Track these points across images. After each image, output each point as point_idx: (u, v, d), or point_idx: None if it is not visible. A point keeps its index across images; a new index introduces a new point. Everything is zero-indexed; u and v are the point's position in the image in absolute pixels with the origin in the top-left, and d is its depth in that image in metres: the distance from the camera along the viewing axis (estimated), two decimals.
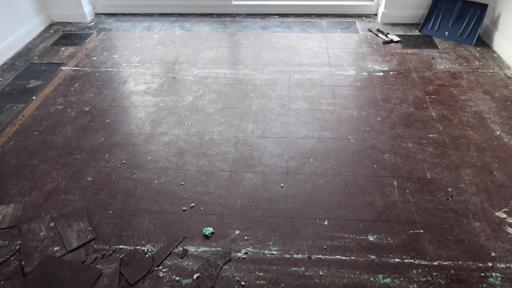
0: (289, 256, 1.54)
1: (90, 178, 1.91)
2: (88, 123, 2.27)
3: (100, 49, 3.03)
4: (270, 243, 1.59)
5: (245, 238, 1.61)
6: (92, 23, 3.44)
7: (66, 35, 3.24)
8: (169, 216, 1.71)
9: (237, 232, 1.64)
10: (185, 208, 1.75)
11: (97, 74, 2.71)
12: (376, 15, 3.42)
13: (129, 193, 1.83)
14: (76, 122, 2.28)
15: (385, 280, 1.44)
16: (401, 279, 1.45)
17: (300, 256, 1.54)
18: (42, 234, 1.64)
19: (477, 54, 2.81)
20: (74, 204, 1.77)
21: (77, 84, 2.62)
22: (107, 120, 2.29)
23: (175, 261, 1.53)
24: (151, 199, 1.80)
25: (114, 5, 3.56)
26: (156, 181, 1.89)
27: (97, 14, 3.59)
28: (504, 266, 1.47)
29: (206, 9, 3.55)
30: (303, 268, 1.49)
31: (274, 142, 2.09)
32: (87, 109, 2.38)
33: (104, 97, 2.49)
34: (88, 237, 1.62)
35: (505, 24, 2.73)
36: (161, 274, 1.49)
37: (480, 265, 1.48)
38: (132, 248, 1.59)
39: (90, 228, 1.66)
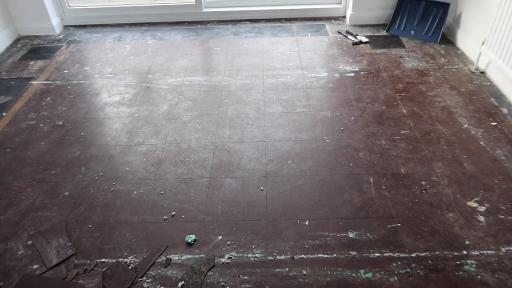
0: (272, 258, 1.56)
1: (67, 193, 1.88)
2: (62, 137, 2.23)
3: (71, 61, 2.98)
4: (253, 246, 1.60)
5: (228, 243, 1.62)
6: (61, 36, 3.38)
7: (35, 49, 3.18)
8: (151, 226, 1.71)
9: (220, 237, 1.65)
10: (166, 217, 1.74)
11: (69, 87, 2.67)
12: (344, 17, 3.51)
13: (108, 206, 1.81)
14: (50, 136, 2.24)
15: (367, 274, 1.48)
16: (382, 272, 1.49)
17: (283, 257, 1.56)
18: (20, 252, 1.60)
19: (442, 52, 2.92)
20: (52, 220, 1.74)
21: (48, 98, 2.57)
22: (82, 133, 2.25)
23: (159, 271, 1.52)
24: (131, 210, 1.78)
25: (83, 16, 3.52)
26: (135, 192, 1.87)
27: (66, 27, 3.53)
28: (478, 253, 1.54)
29: (177, 17, 3.55)
30: (287, 269, 1.51)
31: (252, 146, 2.12)
32: (61, 123, 2.34)
33: (78, 110, 2.45)
34: (68, 252, 1.60)
35: (466, 22, 2.85)
36: (145, 285, 1.48)
37: (456, 253, 1.54)
38: (115, 260, 1.57)
39: (70, 243, 1.63)
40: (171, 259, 1.57)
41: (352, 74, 2.69)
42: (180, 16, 3.54)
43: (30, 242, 1.64)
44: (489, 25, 2.54)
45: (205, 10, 3.52)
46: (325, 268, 1.51)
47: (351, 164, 1.97)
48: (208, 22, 3.54)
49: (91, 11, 3.51)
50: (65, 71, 2.86)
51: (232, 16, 3.55)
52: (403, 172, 1.91)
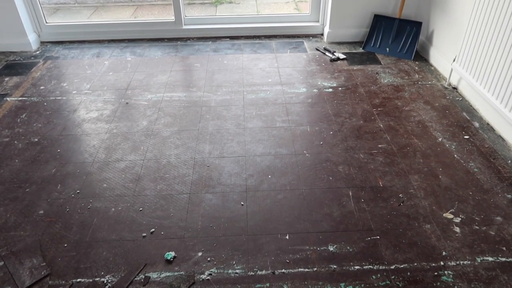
0: (253, 273, 1.54)
1: (42, 212, 1.83)
2: (38, 154, 2.18)
3: (48, 77, 2.94)
4: (234, 262, 1.59)
5: (208, 259, 1.60)
6: (38, 52, 3.34)
7: (10, 65, 3.12)
8: (129, 243, 1.67)
9: (200, 254, 1.63)
10: (145, 234, 1.71)
11: (45, 104, 2.63)
12: (322, 35, 3.59)
13: (85, 224, 1.77)
14: (24, 154, 2.19)
15: None
16: (362, 285, 1.49)
17: (264, 272, 1.55)
18: None
19: (416, 68, 3.01)
20: (25, 240, 1.68)
21: (24, 115, 2.52)
22: (58, 150, 2.21)
23: None
24: (108, 228, 1.75)
25: (60, 32, 3.49)
26: (113, 209, 1.84)
27: (43, 43, 3.49)
28: (455, 264, 1.56)
29: (157, 34, 3.56)
30: (268, 284, 1.50)
31: (232, 161, 2.12)
32: (36, 140, 2.29)
33: (54, 126, 2.41)
34: (42, 273, 1.54)
35: (438, 40, 2.96)
36: None
37: (433, 264, 1.57)
38: (91, 280, 1.53)
39: (44, 263, 1.58)
40: (149, 277, 1.54)
41: (330, 90, 2.74)
42: (160, 33, 3.56)
43: (1, 263, 1.58)
44: (459, 42, 2.65)
45: (185, 27, 3.55)
46: (305, 283, 1.51)
47: (331, 178, 1.99)
48: (188, 38, 3.57)
49: (69, 27, 3.49)
50: (42, 87, 2.81)
51: (212, 33, 3.58)
52: (381, 185, 1.95)
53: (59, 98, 2.70)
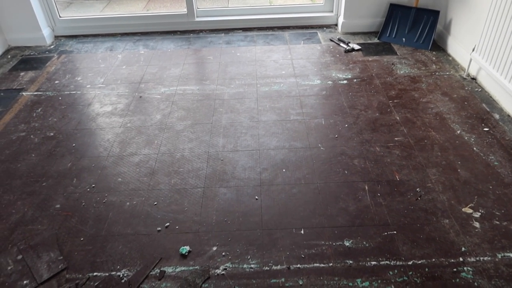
0: (268, 268, 1.53)
1: (58, 206, 1.85)
2: (53, 149, 2.20)
3: (62, 72, 2.96)
4: (249, 257, 1.58)
5: (223, 254, 1.60)
6: (52, 46, 3.36)
7: (25, 60, 3.15)
8: (144, 238, 1.68)
9: (215, 248, 1.62)
10: (159, 228, 1.72)
11: (60, 98, 2.65)
12: (336, 25, 3.53)
13: (101, 218, 1.78)
14: (41, 148, 2.21)
15: (364, 283, 1.47)
16: (379, 281, 1.47)
17: (279, 267, 1.54)
18: (9, 268, 1.56)
19: (434, 58, 2.94)
20: (43, 234, 1.70)
21: (39, 109, 2.54)
22: (73, 144, 2.23)
23: (153, 284, 1.50)
24: (124, 222, 1.75)
25: (74, 27, 3.50)
26: (128, 203, 1.85)
27: (57, 37, 3.51)
28: (475, 260, 1.53)
29: (170, 27, 3.54)
30: (283, 279, 1.49)
31: (246, 155, 2.10)
32: (52, 134, 2.32)
33: (69, 121, 2.43)
34: (60, 267, 1.56)
35: (456, 29, 2.88)
36: None
37: (452, 260, 1.53)
38: (107, 274, 1.54)
39: (61, 257, 1.60)
40: (165, 271, 1.54)
41: (345, 82, 2.70)
42: (172, 26, 3.54)
43: (20, 256, 1.60)
44: (479, 31, 2.57)
45: (197, 19, 3.52)
46: (321, 278, 1.49)
47: (346, 172, 1.96)
48: (200, 31, 3.55)
49: (82, 21, 3.49)
50: (56, 82, 2.83)
51: (224, 25, 3.55)
52: (398, 179, 1.91)
53: (74, 92, 2.71)
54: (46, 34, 3.37)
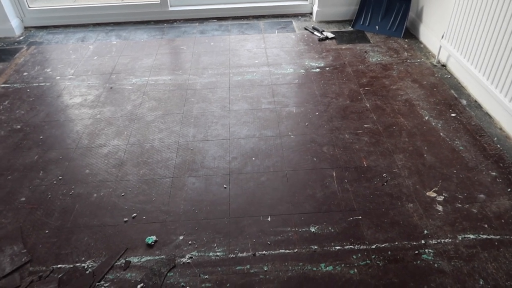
0: (234, 256, 1.54)
1: (23, 199, 1.82)
2: (20, 141, 2.16)
3: (31, 63, 2.89)
4: (215, 245, 1.59)
5: (189, 242, 1.60)
6: (21, 37, 3.28)
7: None
8: (110, 229, 1.67)
9: (181, 237, 1.62)
10: (126, 219, 1.71)
11: (28, 90, 2.59)
12: (311, 14, 3.52)
13: (67, 210, 1.76)
14: (7, 141, 2.16)
15: (327, 268, 1.49)
16: (342, 265, 1.49)
17: (244, 254, 1.55)
18: None
19: (406, 46, 2.96)
20: (7, 227, 1.68)
21: (6, 102, 2.48)
22: (41, 137, 2.19)
23: (118, 274, 1.49)
24: (90, 213, 1.74)
25: (44, 17, 3.42)
26: (95, 195, 1.83)
27: (26, 28, 3.42)
28: (436, 242, 1.56)
29: (143, 17, 3.49)
30: (248, 266, 1.50)
31: (216, 144, 2.10)
32: (19, 126, 2.27)
33: (37, 113, 2.38)
34: (23, 260, 1.54)
35: (428, 16, 2.91)
36: None
37: (414, 243, 1.56)
38: (72, 266, 1.53)
39: (25, 250, 1.58)
40: (130, 261, 1.54)
41: (317, 70, 2.70)
42: (146, 15, 3.49)
43: None
44: (447, 19, 2.59)
45: (171, 8, 3.47)
46: (286, 264, 1.51)
47: (315, 159, 1.98)
48: (174, 20, 3.50)
49: (53, 11, 3.41)
50: (25, 74, 2.77)
51: (199, 15, 3.51)
52: (365, 165, 1.93)
53: (43, 84, 2.66)
54: (15, 25, 3.28)
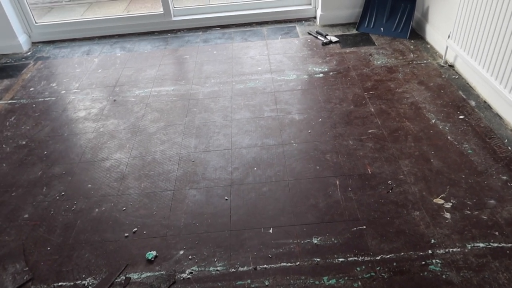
0: (235, 270, 1.51)
1: (26, 215, 1.83)
2: (25, 157, 2.18)
3: (38, 78, 2.93)
4: (215, 259, 1.56)
5: (190, 257, 1.58)
6: (29, 53, 3.33)
7: (1, 68, 3.12)
8: (111, 244, 1.66)
9: (181, 252, 1.60)
10: (127, 234, 1.70)
11: (34, 105, 2.62)
12: (315, 18, 3.48)
13: (69, 226, 1.76)
14: (12, 157, 2.19)
15: (330, 281, 1.44)
16: (346, 278, 1.45)
17: (245, 268, 1.52)
18: None
19: (412, 47, 2.90)
20: (9, 245, 1.69)
21: (12, 118, 2.52)
22: (45, 152, 2.20)
23: None
24: (91, 229, 1.73)
25: (51, 32, 3.47)
26: (97, 210, 1.82)
27: (34, 43, 3.48)
28: (444, 252, 1.50)
29: (147, 28, 3.51)
30: (249, 281, 1.47)
31: (218, 155, 2.08)
32: (24, 142, 2.29)
33: (42, 128, 2.40)
34: (25, 278, 1.54)
35: (434, 16, 2.84)
36: None
37: (421, 253, 1.51)
38: (72, 283, 1.52)
39: (27, 268, 1.58)
40: (130, 278, 1.52)
41: (321, 75, 2.66)
42: (149, 26, 3.50)
43: None
44: (453, 18, 2.52)
45: (174, 18, 3.48)
46: (287, 277, 1.47)
47: (318, 167, 1.94)
48: (178, 30, 3.51)
49: (59, 26, 3.46)
50: (31, 89, 2.80)
51: (202, 23, 3.51)
52: (370, 172, 1.88)
53: (48, 99, 2.68)
54: (23, 41, 3.34)
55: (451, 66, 2.62)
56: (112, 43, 3.39)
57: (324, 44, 3.04)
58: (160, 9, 3.49)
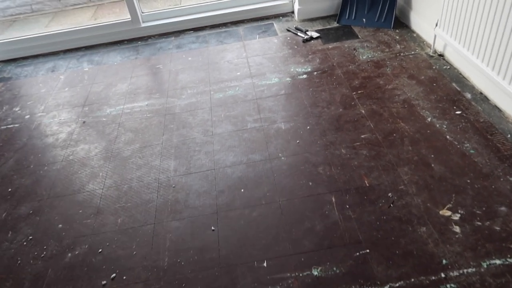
0: None
1: None
2: None
3: None
4: None
5: None
6: None
7: None
8: None
9: None
10: (105, 282, 1.51)
11: None
12: (293, 13, 3.30)
13: (39, 277, 1.56)
14: None
15: None
16: None
17: None
18: None
19: (397, 37, 2.74)
20: None
21: None
22: (9, 189, 1.99)
23: None
24: (64, 279, 1.54)
25: (11, 49, 3.21)
26: (69, 255, 1.63)
27: None
28: (457, 274, 1.36)
29: (115, 37, 3.27)
30: None
31: (200, 177, 1.89)
32: None
33: (5, 161, 2.18)
34: None
35: (418, 2, 2.68)
36: None
37: (433, 277, 1.36)
38: None
39: None
40: None
41: (304, 76, 2.49)
42: (118, 35, 3.27)
43: None
44: (440, 3, 2.36)
45: (143, 24, 3.26)
46: None
47: (310, 183, 1.77)
48: (148, 37, 3.29)
49: (20, 42, 3.21)
50: None
51: (174, 28, 3.29)
52: (367, 185, 1.72)
53: (11, 126, 2.46)
54: None
55: (441, 55, 2.47)
56: (79, 56, 3.15)
57: (305, 41, 2.86)
58: (128, 16, 3.26)
